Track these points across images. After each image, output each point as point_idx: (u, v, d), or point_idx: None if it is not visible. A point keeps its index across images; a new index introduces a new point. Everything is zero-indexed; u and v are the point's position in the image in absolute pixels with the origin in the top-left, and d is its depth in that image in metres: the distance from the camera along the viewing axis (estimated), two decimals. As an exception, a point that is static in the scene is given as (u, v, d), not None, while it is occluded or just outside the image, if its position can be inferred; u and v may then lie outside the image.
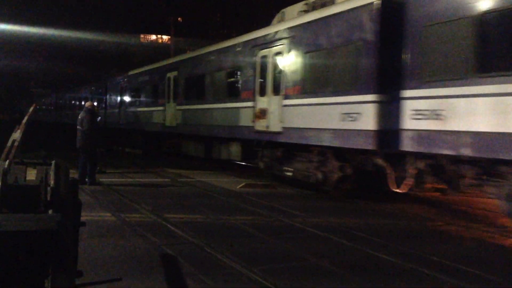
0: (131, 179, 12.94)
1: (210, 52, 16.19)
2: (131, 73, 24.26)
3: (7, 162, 3.41)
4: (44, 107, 56.79)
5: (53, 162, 3.29)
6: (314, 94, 10.57)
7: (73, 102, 37.94)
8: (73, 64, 52.73)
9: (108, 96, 27.54)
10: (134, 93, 23.31)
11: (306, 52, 10.89)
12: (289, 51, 11.44)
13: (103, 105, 27.98)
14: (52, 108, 48.79)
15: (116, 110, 25.51)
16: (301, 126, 10.90)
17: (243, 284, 4.92)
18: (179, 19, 46.35)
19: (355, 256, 6.11)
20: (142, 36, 60.99)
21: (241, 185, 11.86)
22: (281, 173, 12.27)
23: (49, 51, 51.90)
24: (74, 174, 11.39)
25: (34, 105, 11.28)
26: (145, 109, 21.42)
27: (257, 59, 12.82)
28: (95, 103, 28.96)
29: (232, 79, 14.47)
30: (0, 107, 57.01)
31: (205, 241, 6.45)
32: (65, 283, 2.17)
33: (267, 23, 14.17)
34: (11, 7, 40.89)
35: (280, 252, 6.19)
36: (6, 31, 38.55)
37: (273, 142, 12.22)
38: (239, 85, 13.94)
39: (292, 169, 11.81)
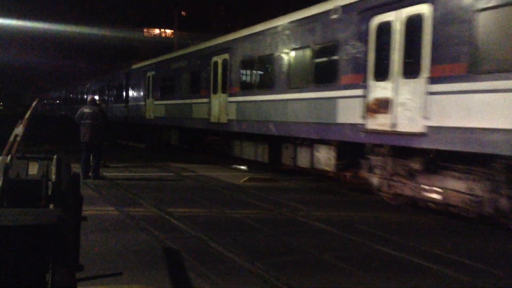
0: (134, 173, 12.97)
1: (285, 25, 12.13)
2: (161, 59, 21.18)
3: (9, 157, 3.42)
4: (52, 101, 55.17)
5: (54, 156, 3.29)
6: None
7: (85, 96, 35.25)
8: (78, 58, 52.80)
9: (129, 88, 24.76)
10: (166, 83, 20.11)
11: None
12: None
13: (123, 98, 25.73)
14: (62, 102, 47.23)
15: (141, 103, 22.72)
16: (468, 125, 7.23)
17: (246, 278, 4.93)
18: (182, 13, 46.22)
19: (358, 250, 6.11)
20: (145, 30, 60.94)
21: (244, 179, 11.86)
22: (417, 194, 8.53)
23: (53, 46, 51.96)
24: (77, 168, 11.44)
25: (36, 99, 11.31)
26: (182, 101, 18.25)
27: (372, 26, 9.18)
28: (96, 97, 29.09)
29: (324, 59, 10.74)
30: (4, 101, 57.19)
31: (208, 235, 6.47)
32: (65, 277, 2.18)
33: (270, 16, 13.89)
34: (15, 2, 40.89)
35: (282, 246, 6.20)
36: (11, 26, 38.57)
37: (402, 147, 8.66)
38: (339, 66, 10.11)
39: (441, 191, 8.05)
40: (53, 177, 2.96)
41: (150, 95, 21.72)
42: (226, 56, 14.94)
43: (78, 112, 12.03)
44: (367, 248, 6.15)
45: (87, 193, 9.40)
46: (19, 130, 11.97)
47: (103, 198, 9.17)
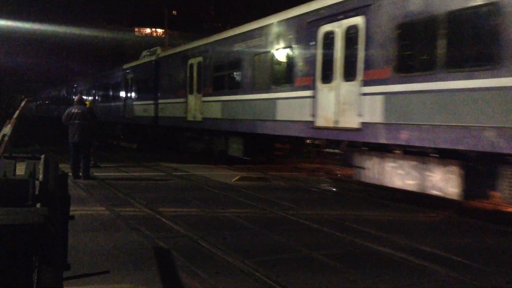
0: (125, 173, 12.92)
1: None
2: (217, 38, 15.67)
3: (-4, 157, 3.40)
4: (47, 102, 49.77)
5: (42, 156, 3.28)
6: None
7: (92, 93, 31.66)
8: (69, 59, 52.53)
9: (161, 81, 19.84)
10: (219, 72, 15.27)
11: None
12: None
13: (150, 95, 20.83)
14: (61, 102, 41.04)
15: (181, 101, 17.68)
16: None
17: (236, 276, 4.94)
18: (173, 12, 46.15)
19: (347, 247, 6.14)
20: (136, 29, 60.77)
21: (235, 178, 11.87)
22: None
23: (44, 47, 51.64)
24: (68, 169, 11.39)
25: (25, 99, 11.28)
26: (256, 97, 13.15)
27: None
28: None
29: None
30: None
31: (198, 234, 6.46)
32: (51, 276, 2.18)
33: (260, 15, 14.16)
34: (3, 3, 40.58)
35: (273, 244, 6.21)
36: (1, 27, 38.29)
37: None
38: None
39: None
40: (40, 176, 2.95)
41: (195, 89, 16.73)
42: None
43: (66, 112, 11.94)
44: (358, 246, 6.18)
45: (77, 193, 9.36)
46: (7, 130, 11.93)
47: (93, 198, 9.13)
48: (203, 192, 10.19)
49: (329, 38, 10.37)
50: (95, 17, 49.03)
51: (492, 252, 6.14)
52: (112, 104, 26.57)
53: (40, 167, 3.09)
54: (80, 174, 11.56)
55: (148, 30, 61.77)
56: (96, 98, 30.24)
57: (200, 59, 16.40)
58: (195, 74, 16.82)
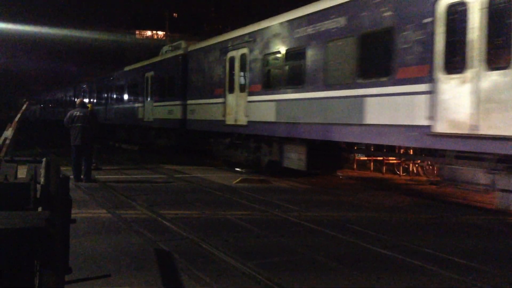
0: (127, 176, 12.93)
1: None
2: (269, 23, 12.92)
3: (-3, 160, 3.41)
4: (53, 104, 46.95)
5: (43, 159, 3.28)
6: None
7: (105, 95, 28.63)
8: (71, 61, 52.63)
9: (189, 79, 17.46)
10: (283, 66, 12.25)
11: None
12: None
13: (174, 94, 18.49)
14: (67, 104, 38.40)
15: (218, 101, 15.14)
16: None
17: (238, 279, 4.94)
18: (174, 14, 46.23)
19: (349, 249, 6.14)
20: (137, 32, 60.89)
21: (237, 180, 11.87)
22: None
23: (46, 49, 51.77)
24: (69, 171, 11.40)
25: (26, 103, 11.31)
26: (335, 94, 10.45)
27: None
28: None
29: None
30: None
31: (200, 237, 6.46)
32: (53, 279, 2.18)
33: (260, 16, 14.14)
34: (6, 6, 40.72)
35: (275, 247, 6.21)
36: (2, 30, 38.37)
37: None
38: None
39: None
40: (42, 180, 2.96)
41: (237, 87, 14.22)
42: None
43: (68, 115, 11.94)
44: (359, 248, 6.18)
45: (79, 196, 9.36)
46: (8, 133, 11.91)
47: (95, 200, 9.13)
48: (205, 194, 10.20)
49: (458, 11, 7.83)
50: (97, 20, 49.17)
51: (493, 253, 6.13)
52: (129, 106, 23.89)
53: (42, 170, 3.10)
54: (82, 176, 11.58)
55: (149, 33, 61.88)
56: (109, 100, 27.71)
57: (244, 50, 13.63)
58: (237, 69, 14.04)
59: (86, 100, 31.58)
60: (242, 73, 14.08)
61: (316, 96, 10.85)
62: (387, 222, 7.82)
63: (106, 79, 28.43)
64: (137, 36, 60.20)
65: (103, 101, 28.87)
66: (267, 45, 12.80)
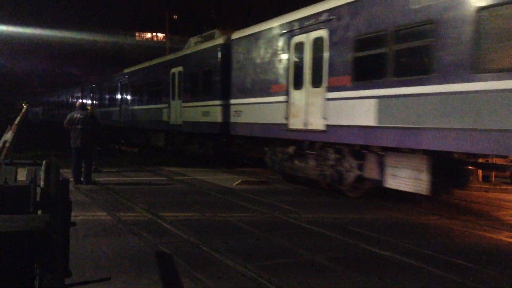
0: (127, 178, 12.93)
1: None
2: None
3: (-3, 163, 3.41)
4: (57, 106, 43.50)
5: (43, 162, 3.28)
6: None
7: (119, 93, 25.06)
8: (71, 63, 52.66)
9: (234, 73, 14.23)
10: (390, 49, 8.87)
11: None
12: None
13: (207, 94, 15.70)
14: (73, 106, 32.32)
15: (277, 100, 12.02)
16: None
17: (238, 281, 4.93)
18: (174, 16, 46.28)
19: (350, 251, 6.13)
20: (137, 34, 60.94)
21: (237, 182, 11.86)
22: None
23: (46, 52, 51.81)
24: (69, 174, 11.40)
25: (26, 105, 11.31)
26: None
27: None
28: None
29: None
30: None
31: (200, 239, 6.46)
32: (53, 283, 2.18)
33: (260, 19, 13.90)
34: (6, 8, 40.79)
35: (275, 249, 6.20)
36: (3, 32, 38.42)
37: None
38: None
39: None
40: (42, 182, 2.95)
41: (307, 80, 10.92)
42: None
43: (68, 117, 11.96)
44: (359, 249, 6.17)
45: (79, 198, 9.36)
46: (8, 136, 11.94)
47: (95, 203, 9.13)
48: (205, 196, 10.19)
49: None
50: (97, 22, 49.26)
51: (494, 255, 6.12)
52: (149, 106, 20.77)
53: (42, 173, 3.09)
54: (82, 179, 11.57)
55: (148, 35, 61.93)
56: (124, 100, 24.41)
57: (320, 33, 10.43)
58: (307, 57, 10.86)
59: (92, 101, 29.84)
60: (315, 63, 10.74)
61: (458, 90, 7.52)
62: (386, 223, 7.82)
63: (120, 77, 25.19)
64: (137, 38, 60.25)
65: (117, 102, 25.46)
66: (360, 23, 9.47)
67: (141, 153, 21.93)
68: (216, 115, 14.99)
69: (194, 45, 17.67)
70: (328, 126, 10.19)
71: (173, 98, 18.26)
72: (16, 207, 2.82)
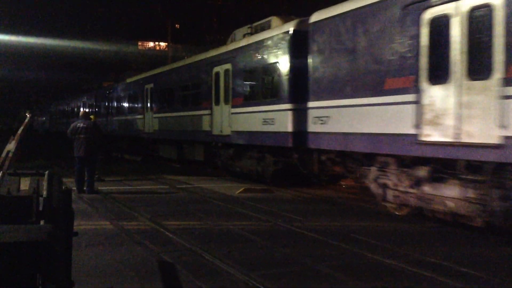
0: (129, 187, 12.93)
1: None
2: None
3: (0, 174, 3.42)
4: (65, 115, 40.10)
5: (46, 172, 3.29)
6: None
7: (141, 101, 22.10)
8: (72, 73, 52.88)
9: (314, 65, 10.84)
10: None
11: None
12: None
13: (269, 96, 12.81)
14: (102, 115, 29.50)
15: (399, 100, 8.50)
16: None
17: (241, 290, 4.91)
18: (176, 25, 46.51)
19: (353, 259, 6.10)
20: (140, 43, 61.25)
21: (239, 190, 11.85)
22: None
23: (48, 61, 52.06)
24: (72, 183, 11.42)
25: (30, 114, 11.36)
26: None
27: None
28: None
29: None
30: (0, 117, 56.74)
31: (203, 248, 6.44)
32: (55, 294, 2.17)
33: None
34: (9, 17, 41.08)
35: (278, 257, 6.18)
36: (6, 42, 38.67)
37: None
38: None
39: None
40: (44, 193, 2.96)
41: (460, 72, 7.41)
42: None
43: (71, 127, 12.02)
44: (363, 258, 6.14)
45: (81, 208, 9.36)
46: (11, 146, 11.91)
47: (97, 212, 9.13)
48: (207, 204, 10.18)
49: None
50: (100, 31, 49.54)
51: (499, 263, 6.08)
52: (184, 114, 17.59)
53: (44, 183, 3.10)
54: (85, 188, 11.59)
55: (151, 44, 62.22)
56: (149, 107, 21.05)
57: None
58: (458, 39, 7.40)
59: (109, 109, 26.92)
60: (473, 47, 7.30)
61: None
62: (390, 232, 7.78)
63: (144, 80, 22.02)
64: (140, 47, 60.55)
65: (140, 109, 22.15)
66: None
67: (144, 161, 21.93)
68: (284, 122, 11.71)
69: (243, 38, 14.44)
70: (508, 138, 6.67)
71: (217, 103, 15.12)
72: (19, 217, 2.83)
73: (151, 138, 20.94)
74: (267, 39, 12.87)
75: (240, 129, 13.78)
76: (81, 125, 11.90)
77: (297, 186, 12.58)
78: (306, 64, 11.07)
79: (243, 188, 12.04)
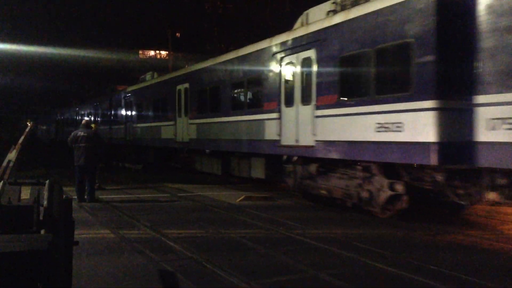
0: (130, 195, 12.93)
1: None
2: None
3: (1, 183, 3.43)
4: (73, 123, 35.62)
5: (47, 181, 3.30)
6: None
7: (169, 106, 18.65)
8: (74, 82, 53.06)
9: (484, 41, 7.36)
10: None
11: None
12: None
13: (392, 90, 8.59)
14: (113, 123, 26.46)
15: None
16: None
17: (242, 299, 4.90)
18: (177, 34, 46.71)
19: (354, 267, 6.09)
20: (140, 52, 61.53)
21: (240, 198, 11.84)
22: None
23: (50, 70, 52.27)
24: (73, 192, 11.42)
25: (31, 124, 11.41)
26: None
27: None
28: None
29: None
30: (1, 125, 56.74)
31: (203, 256, 6.43)
32: (56, 303, 2.18)
33: (262, 36, 13.89)
34: (11, 27, 41.30)
35: (279, 265, 6.17)
36: (6, 50, 38.83)
37: None
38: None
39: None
40: (45, 202, 2.97)
41: None
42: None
43: (72, 135, 12.05)
44: (364, 266, 6.13)
45: (82, 217, 9.37)
46: (12, 155, 12.00)
47: (98, 221, 9.12)
48: (208, 213, 10.17)
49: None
50: (101, 40, 49.79)
51: (503, 270, 6.06)
52: (234, 119, 13.95)
53: (45, 192, 3.11)
54: (85, 197, 11.59)
55: (152, 53, 62.49)
56: (184, 112, 17.45)
57: None
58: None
59: (128, 116, 23.34)
60: None
61: None
62: (391, 239, 7.77)
63: (176, 80, 18.35)
64: (141, 56, 60.83)
65: (169, 115, 18.70)
66: None
67: (145, 170, 21.91)
68: (425, 128, 7.86)
69: (327, 16, 10.56)
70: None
71: (288, 103, 11.41)
72: (20, 226, 2.84)
73: (185, 148, 17.72)
74: (387, 8, 8.68)
75: (331, 138, 9.96)
76: (82, 133, 11.93)
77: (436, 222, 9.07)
78: (463, 41, 7.66)
79: (243, 196, 12.03)
